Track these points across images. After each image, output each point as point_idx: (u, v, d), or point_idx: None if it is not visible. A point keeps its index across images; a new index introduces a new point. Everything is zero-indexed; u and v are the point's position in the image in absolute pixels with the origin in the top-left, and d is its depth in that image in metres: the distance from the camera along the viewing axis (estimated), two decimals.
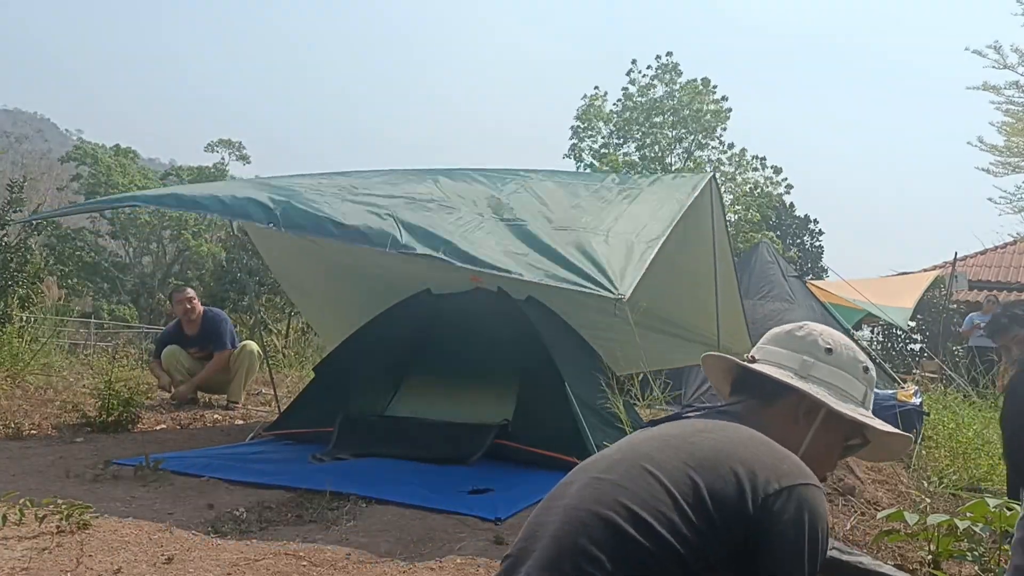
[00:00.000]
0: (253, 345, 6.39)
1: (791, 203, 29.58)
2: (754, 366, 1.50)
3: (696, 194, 4.75)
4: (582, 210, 4.27)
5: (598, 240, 3.82)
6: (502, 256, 3.65)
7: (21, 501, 2.91)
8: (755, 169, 28.17)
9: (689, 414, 1.48)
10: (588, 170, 27.13)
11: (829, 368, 1.48)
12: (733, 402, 1.51)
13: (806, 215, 30.11)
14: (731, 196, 27.17)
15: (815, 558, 1.21)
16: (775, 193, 28.26)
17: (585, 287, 3.48)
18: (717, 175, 26.00)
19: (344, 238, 3.78)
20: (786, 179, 28.45)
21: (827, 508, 1.29)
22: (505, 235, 3.86)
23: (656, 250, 3.82)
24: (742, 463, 1.23)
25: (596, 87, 29.39)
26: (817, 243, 30.17)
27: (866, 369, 1.52)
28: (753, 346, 1.59)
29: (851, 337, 10.12)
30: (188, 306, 6.33)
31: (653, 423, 1.47)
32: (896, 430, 1.52)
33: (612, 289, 3.39)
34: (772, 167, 28.26)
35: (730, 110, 27.98)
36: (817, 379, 1.47)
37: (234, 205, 4.04)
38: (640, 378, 4.50)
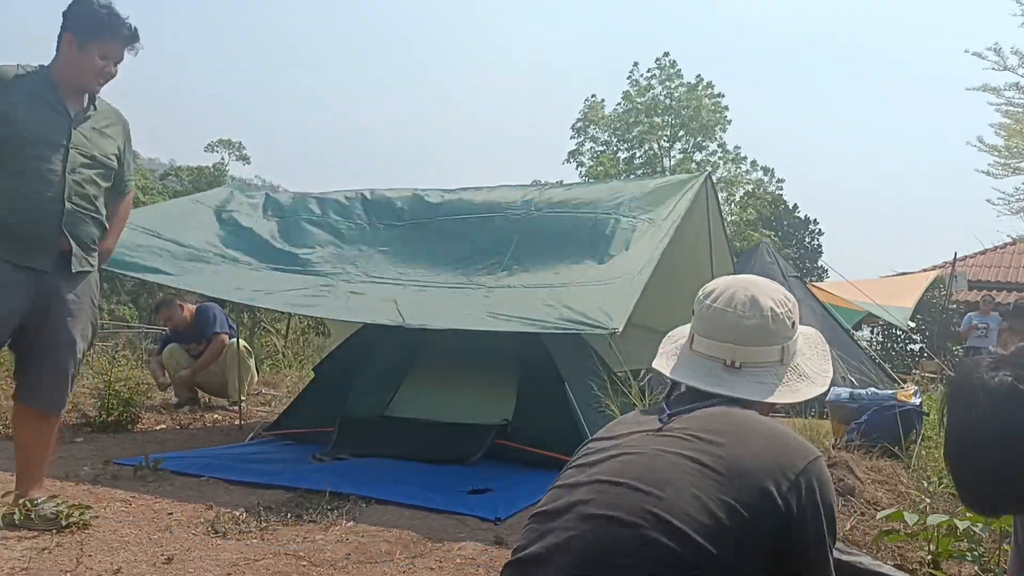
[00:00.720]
0: (236, 342, 6.40)
1: (795, 204, 29.62)
2: (740, 385, 1.47)
3: (691, 196, 4.77)
4: (573, 265, 4.37)
5: (589, 292, 3.97)
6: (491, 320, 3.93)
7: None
8: (748, 172, 28.27)
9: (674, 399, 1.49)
10: (587, 173, 27.25)
11: (798, 340, 1.54)
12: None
13: (806, 216, 30.13)
14: (725, 194, 27.21)
15: (834, 524, 1.32)
16: (774, 192, 28.31)
17: (577, 330, 3.73)
18: (715, 176, 26.12)
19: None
20: (778, 178, 28.56)
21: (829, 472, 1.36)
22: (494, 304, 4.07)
23: (648, 277, 3.95)
24: (755, 456, 1.27)
25: (593, 94, 29.45)
26: (816, 243, 30.18)
27: (793, 324, 1.53)
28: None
29: (851, 337, 10.12)
30: (169, 321, 6.56)
31: (652, 412, 1.46)
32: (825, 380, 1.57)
33: (604, 326, 3.54)
34: (762, 167, 28.38)
35: (726, 108, 28.02)
36: (793, 364, 1.52)
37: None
38: (640, 380, 4.51)
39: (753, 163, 28.32)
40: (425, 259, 4.76)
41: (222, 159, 32.18)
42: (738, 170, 28.33)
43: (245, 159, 33.22)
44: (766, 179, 28.45)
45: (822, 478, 1.30)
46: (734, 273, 5.78)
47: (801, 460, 1.29)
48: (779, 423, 1.40)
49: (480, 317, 3.90)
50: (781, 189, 28.93)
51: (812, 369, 1.54)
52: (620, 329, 3.49)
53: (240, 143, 32.92)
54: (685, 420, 1.38)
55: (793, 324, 1.52)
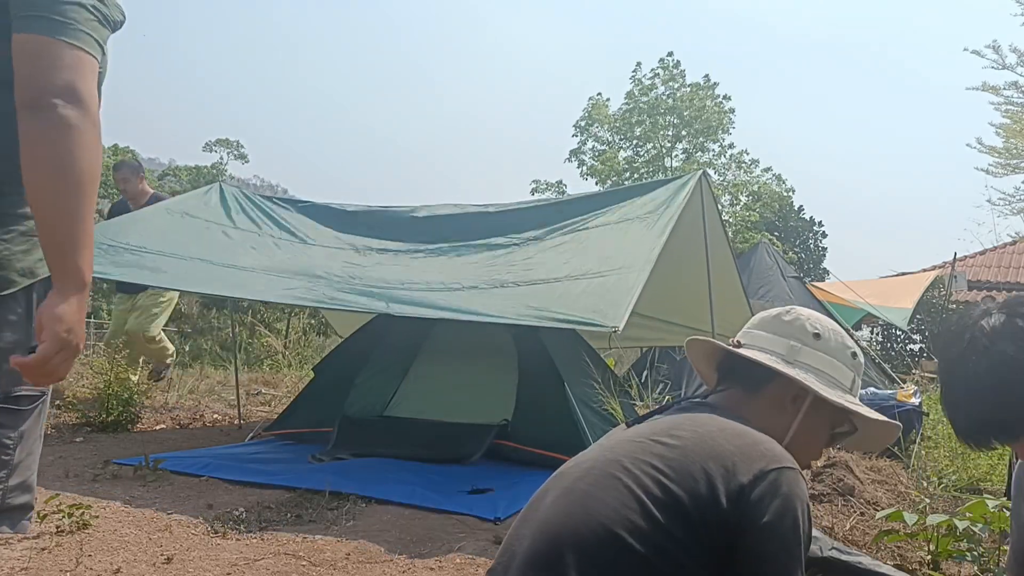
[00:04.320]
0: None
1: (800, 205, 29.54)
2: (739, 351, 1.44)
3: (686, 197, 4.78)
4: (569, 258, 4.43)
5: (584, 285, 4.00)
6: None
7: None
8: (758, 176, 28.22)
9: (668, 409, 1.43)
10: (588, 172, 27.26)
11: (817, 354, 1.43)
12: (717, 390, 1.47)
13: (811, 217, 30.07)
14: (730, 197, 27.18)
15: (801, 543, 1.16)
16: (781, 194, 28.28)
17: (578, 325, 3.76)
18: (718, 177, 25.92)
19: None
20: (787, 182, 28.54)
21: (806, 488, 1.23)
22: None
23: (647, 276, 3.99)
24: (714, 457, 1.18)
25: (599, 93, 29.40)
26: (821, 244, 30.11)
27: (854, 355, 1.47)
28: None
29: (849, 335, 10.17)
30: (125, 184, 5.82)
31: (638, 420, 1.43)
32: (883, 418, 1.47)
33: (604, 323, 3.58)
34: (775, 174, 28.33)
35: (732, 110, 27.97)
36: (804, 364, 1.41)
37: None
38: (641, 380, 4.51)
39: (766, 169, 28.30)
40: (416, 258, 4.78)
41: (221, 159, 32.22)
42: (749, 175, 28.26)
43: (243, 158, 33.26)
44: (776, 186, 28.37)
45: (792, 487, 1.17)
46: (735, 266, 5.79)
47: (772, 464, 1.18)
48: (758, 432, 1.26)
49: (473, 310, 3.89)
50: (791, 194, 28.86)
51: (817, 384, 1.39)
52: (620, 327, 3.51)
53: (238, 142, 32.97)
54: (664, 420, 1.34)
55: (816, 336, 1.43)
